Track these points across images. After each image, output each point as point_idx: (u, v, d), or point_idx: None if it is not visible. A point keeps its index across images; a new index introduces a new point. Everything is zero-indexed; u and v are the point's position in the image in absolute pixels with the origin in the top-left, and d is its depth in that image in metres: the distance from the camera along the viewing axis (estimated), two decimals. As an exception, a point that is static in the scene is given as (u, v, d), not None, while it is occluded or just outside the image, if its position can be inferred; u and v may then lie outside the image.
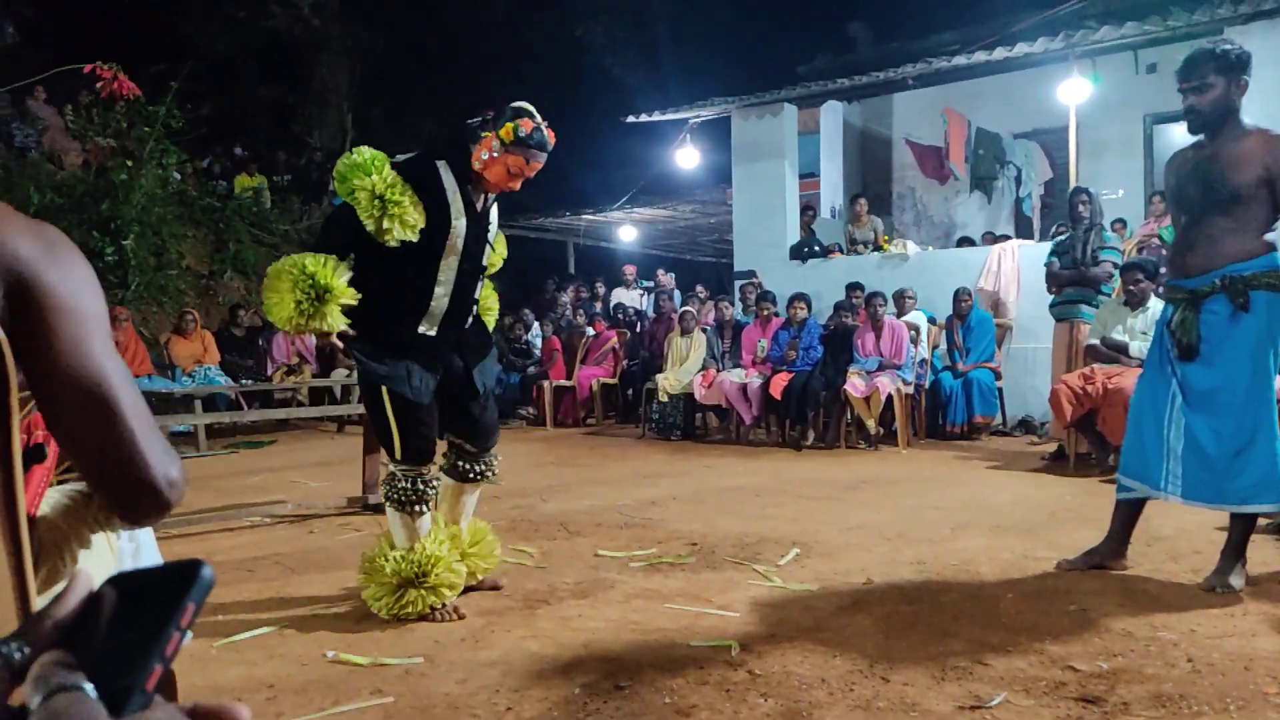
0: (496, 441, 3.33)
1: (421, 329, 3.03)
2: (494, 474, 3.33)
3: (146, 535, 1.70)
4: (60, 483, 1.44)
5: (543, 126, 2.94)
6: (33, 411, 1.41)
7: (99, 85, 8.29)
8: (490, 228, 3.16)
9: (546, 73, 16.10)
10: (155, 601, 0.51)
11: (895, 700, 2.21)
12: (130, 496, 1.00)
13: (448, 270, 3.01)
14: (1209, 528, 3.78)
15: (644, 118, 10.51)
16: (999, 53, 8.60)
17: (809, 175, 10.72)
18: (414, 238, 2.90)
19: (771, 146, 9.92)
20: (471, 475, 3.27)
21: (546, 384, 9.55)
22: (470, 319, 3.22)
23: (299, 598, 3.24)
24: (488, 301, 3.41)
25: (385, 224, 2.85)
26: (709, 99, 10.32)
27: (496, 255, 3.35)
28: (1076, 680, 2.30)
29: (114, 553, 1.47)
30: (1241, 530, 3.09)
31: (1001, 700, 2.18)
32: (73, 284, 0.99)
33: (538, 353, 10.32)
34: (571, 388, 9.57)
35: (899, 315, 7.76)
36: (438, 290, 3.01)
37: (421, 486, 3.04)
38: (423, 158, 3.03)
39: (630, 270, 12.41)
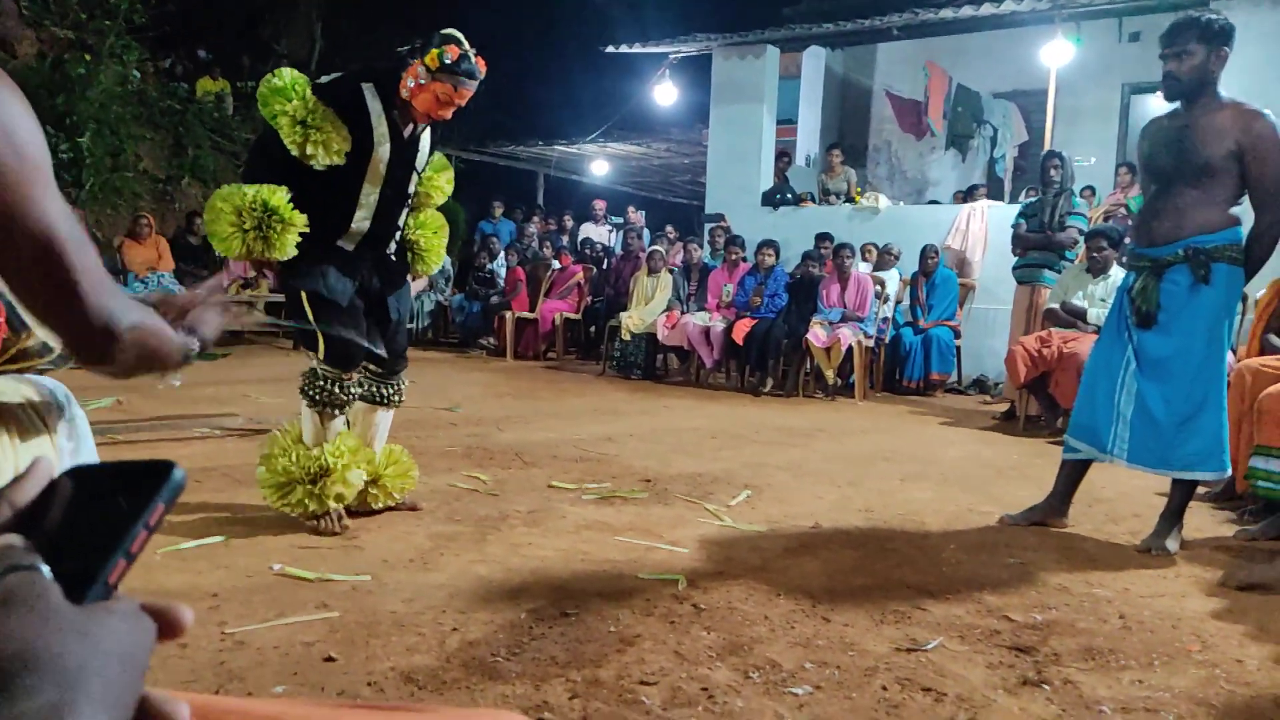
0: (405, 366, 3.34)
1: (339, 244, 3.03)
2: (402, 398, 3.35)
3: (86, 435, 1.67)
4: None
5: (471, 54, 2.90)
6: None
7: (57, -29, 7.89)
8: (419, 155, 3.13)
9: (525, -2, 15.72)
10: (122, 498, 0.49)
11: (834, 639, 2.26)
12: (81, 343, 1.02)
13: (369, 194, 3.00)
14: (1149, 492, 3.89)
15: (623, 49, 10.30)
16: (986, 8, 8.53)
17: (787, 121, 10.62)
18: (340, 161, 2.89)
19: (751, 89, 9.79)
20: (381, 399, 3.28)
21: (509, 315, 9.48)
22: (394, 244, 3.21)
23: (247, 510, 3.21)
24: (429, 240, 3.37)
25: (309, 149, 2.84)
26: (691, 34, 10.14)
27: (437, 187, 3.34)
28: (1011, 630, 2.36)
29: (55, 450, 1.43)
30: (1181, 496, 3.17)
31: (937, 645, 2.24)
32: (17, 131, 0.94)
33: (501, 282, 10.23)
34: (534, 320, 9.51)
35: (876, 269, 7.78)
36: (358, 214, 3.01)
37: (339, 390, 3.04)
38: (347, 80, 2.98)
39: (600, 205, 12.28)
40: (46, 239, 0.94)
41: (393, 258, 3.24)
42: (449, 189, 3.40)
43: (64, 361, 1.80)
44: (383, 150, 2.96)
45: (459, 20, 2.95)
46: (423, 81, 2.86)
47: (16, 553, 0.45)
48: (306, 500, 2.94)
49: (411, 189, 3.15)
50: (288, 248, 2.84)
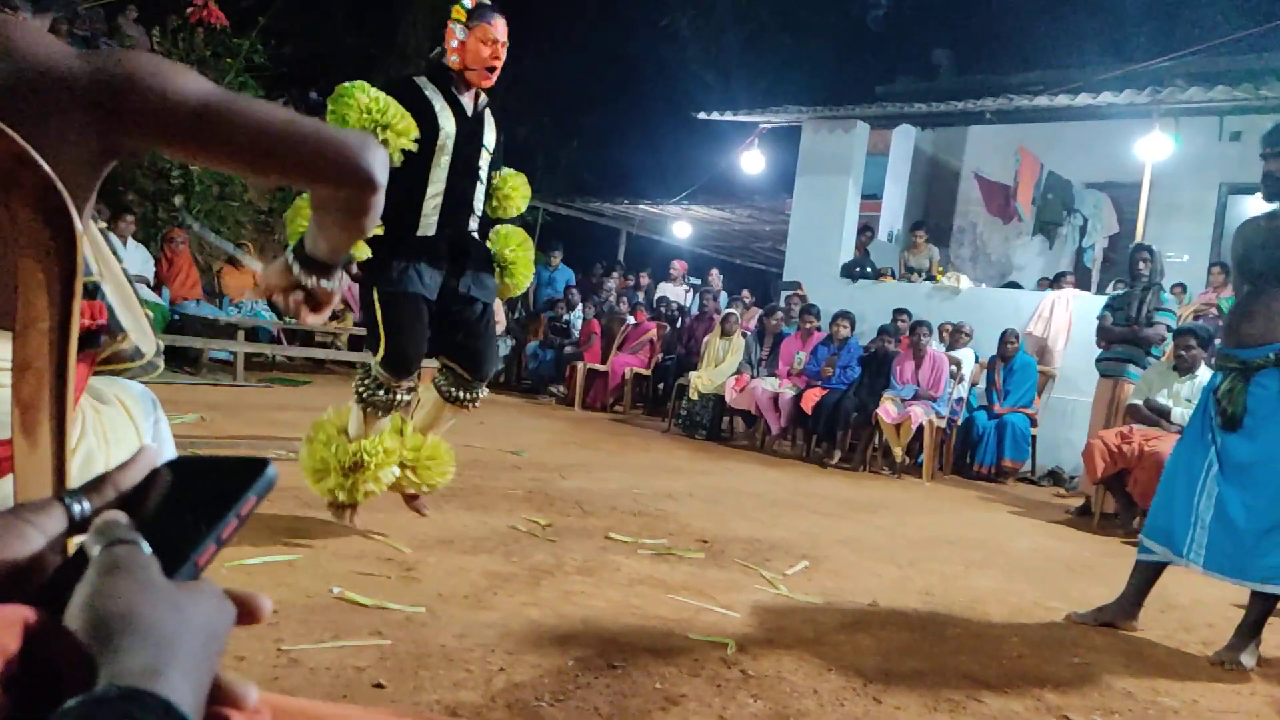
0: (492, 372, 3.40)
1: (420, 231, 3.15)
2: (477, 403, 3.40)
3: (168, 439, 1.75)
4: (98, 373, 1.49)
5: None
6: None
7: (189, 10, 8.43)
8: (485, 131, 3.26)
9: (620, 61, 16.11)
10: (217, 489, 0.53)
11: (884, 721, 2.20)
12: (348, 180, 1.14)
13: (439, 171, 3.14)
14: (1226, 603, 3.72)
15: (715, 116, 10.49)
16: (1082, 98, 8.47)
17: (872, 196, 10.64)
18: (411, 146, 3.02)
19: (839, 162, 9.86)
20: (459, 400, 3.35)
21: (580, 365, 9.59)
22: (472, 222, 3.29)
23: (313, 533, 3.29)
24: (515, 253, 3.41)
25: (382, 136, 2.96)
26: (783, 106, 10.29)
27: (514, 188, 3.43)
28: (1069, 731, 2.28)
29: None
30: (1260, 609, 3.03)
31: (991, 738, 2.17)
32: (154, 68, 1.04)
33: (576, 333, 10.37)
34: (604, 372, 9.60)
35: (949, 349, 7.68)
36: (429, 191, 3.14)
37: (389, 397, 3.13)
38: (400, 78, 3.27)
39: (680, 266, 12.41)
40: (263, 143, 1.06)
41: (475, 236, 3.31)
42: (526, 192, 3.51)
43: (153, 368, 1.91)
44: (447, 126, 3.12)
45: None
46: (461, 37, 3.08)
47: (121, 528, 0.49)
48: (338, 490, 3.05)
49: (481, 165, 3.27)
50: (361, 243, 2.95)
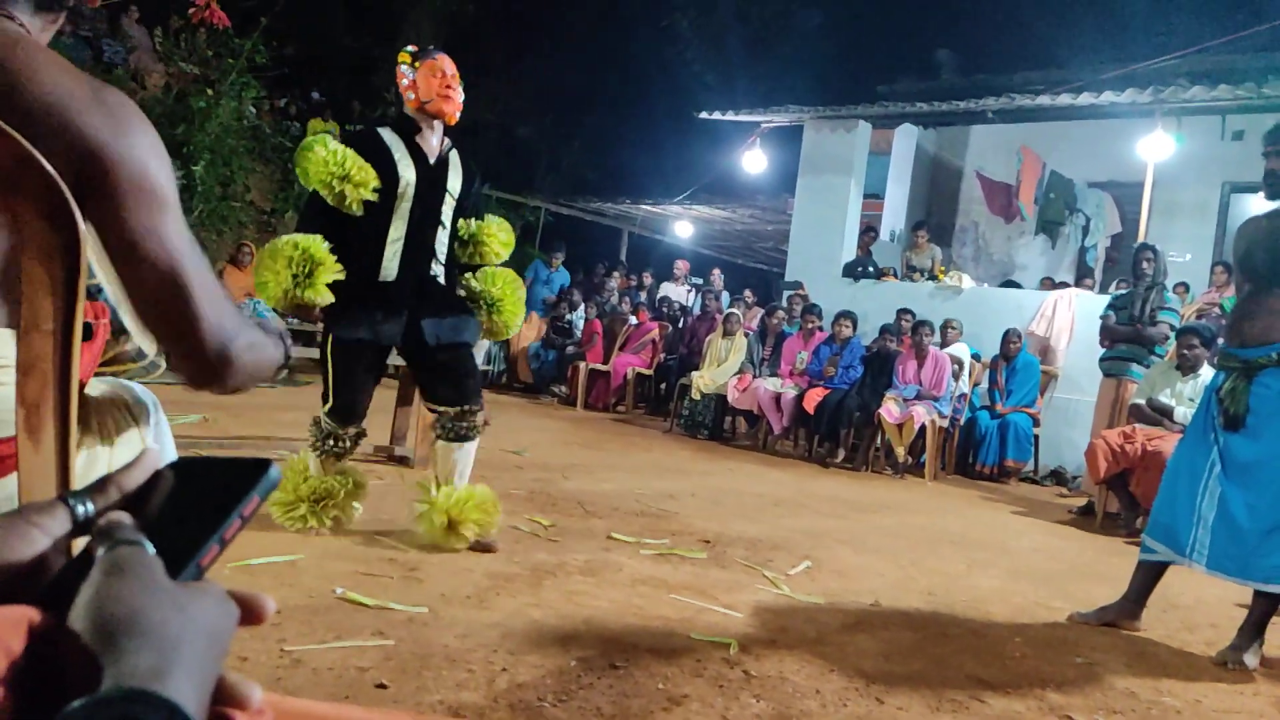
0: (472, 399, 3.37)
1: (381, 276, 3.22)
2: (477, 432, 3.42)
3: (169, 441, 1.75)
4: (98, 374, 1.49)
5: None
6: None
7: (191, 11, 8.44)
8: (449, 177, 3.32)
9: (622, 61, 16.12)
10: (220, 490, 0.53)
11: (887, 721, 2.20)
12: (198, 369, 1.08)
13: (399, 217, 3.21)
14: (1229, 602, 3.72)
15: (716, 115, 10.48)
16: (1085, 98, 8.46)
17: (874, 196, 10.62)
18: (372, 197, 3.12)
19: (841, 162, 9.84)
20: (459, 433, 3.37)
21: (582, 365, 9.60)
22: (439, 267, 3.33)
23: (315, 533, 3.30)
24: (502, 292, 3.40)
25: (346, 191, 3.08)
26: (785, 105, 10.27)
27: (492, 234, 3.46)
28: (1072, 731, 2.28)
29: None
30: (1263, 609, 3.02)
31: (993, 738, 2.17)
32: (140, 159, 1.00)
33: (579, 333, 10.38)
34: (606, 373, 9.60)
35: (942, 346, 7.68)
36: (390, 236, 3.22)
37: (333, 445, 3.28)
38: (362, 130, 3.40)
39: (683, 266, 12.40)
40: (169, 266, 1.01)
41: (440, 280, 3.34)
42: (505, 239, 3.52)
43: (155, 368, 1.91)
44: (407, 175, 3.20)
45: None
46: (411, 76, 3.19)
47: (125, 529, 0.49)
48: (308, 516, 3.20)
49: (444, 211, 3.31)
50: (320, 286, 3.02)
